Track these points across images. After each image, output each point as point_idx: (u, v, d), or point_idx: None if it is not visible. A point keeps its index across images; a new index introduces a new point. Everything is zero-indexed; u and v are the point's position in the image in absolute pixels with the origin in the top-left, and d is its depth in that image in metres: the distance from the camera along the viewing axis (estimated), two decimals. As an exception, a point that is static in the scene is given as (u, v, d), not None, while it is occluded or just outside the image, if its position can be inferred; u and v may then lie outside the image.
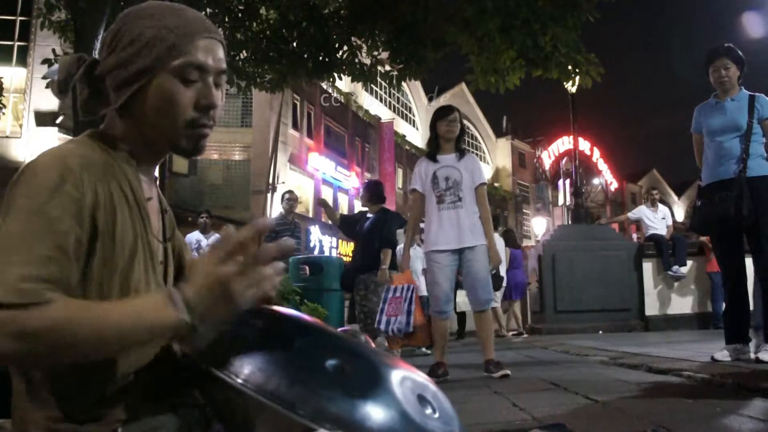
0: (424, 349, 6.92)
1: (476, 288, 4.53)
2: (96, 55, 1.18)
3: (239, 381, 0.92)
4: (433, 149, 4.74)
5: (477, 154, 47.15)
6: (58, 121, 17.76)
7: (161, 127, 1.13)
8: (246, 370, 0.93)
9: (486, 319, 4.60)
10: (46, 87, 7.73)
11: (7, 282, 0.89)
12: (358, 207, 31.78)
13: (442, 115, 4.72)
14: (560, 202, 29.56)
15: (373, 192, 6.69)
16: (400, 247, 6.91)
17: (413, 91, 38.76)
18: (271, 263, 1.00)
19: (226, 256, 0.98)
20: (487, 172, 47.11)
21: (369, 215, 6.65)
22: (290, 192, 8.54)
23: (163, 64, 1.09)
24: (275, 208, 23.02)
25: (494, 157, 48.11)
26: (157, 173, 1.30)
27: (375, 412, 0.89)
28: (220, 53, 1.16)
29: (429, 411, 0.96)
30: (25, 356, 0.90)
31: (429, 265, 4.62)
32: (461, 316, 13.97)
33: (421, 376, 1.03)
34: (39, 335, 0.88)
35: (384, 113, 34.99)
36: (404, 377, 0.98)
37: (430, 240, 4.59)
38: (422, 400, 0.96)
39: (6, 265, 0.90)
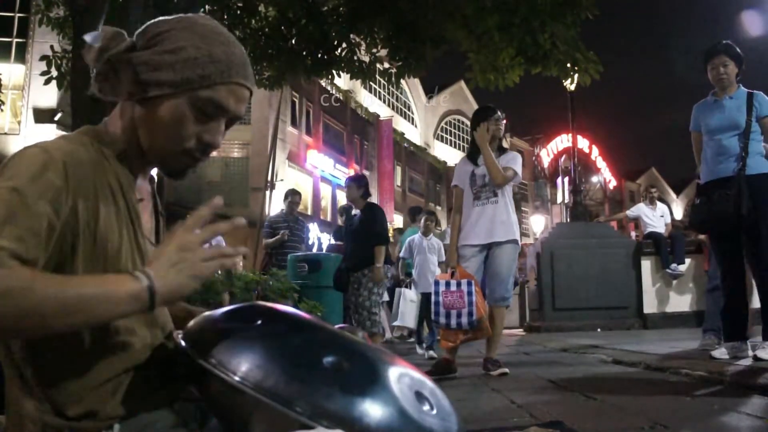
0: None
1: (493, 283, 4.59)
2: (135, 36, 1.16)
3: (237, 378, 0.91)
4: (475, 150, 4.75)
5: (476, 152, 47.04)
6: (56, 117, 17.74)
7: (158, 142, 1.13)
8: (243, 367, 0.93)
9: (497, 315, 4.59)
10: (46, 83, 7.70)
11: None
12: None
13: (487, 115, 4.72)
14: (559, 200, 29.61)
15: (365, 186, 6.37)
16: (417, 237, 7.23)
17: (412, 88, 38.74)
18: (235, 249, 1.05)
19: (185, 229, 1.02)
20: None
21: (355, 211, 6.33)
22: (293, 192, 8.42)
23: (187, 89, 1.09)
24: (274, 206, 23.02)
25: (493, 155, 48.03)
26: (155, 172, 1.29)
27: (372, 408, 0.89)
28: (245, 101, 1.17)
29: (426, 407, 0.96)
30: None
31: (458, 259, 4.64)
32: None
33: (418, 373, 1.03)
34: (1, 296, 0.87)
35: (383, 111, 34.98)
36: (402, 374, 0.98)
37: (462, 235, 4.64)
38: (420, 396, 0.96)
39: None
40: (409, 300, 7.08)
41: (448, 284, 4.52)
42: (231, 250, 1.04)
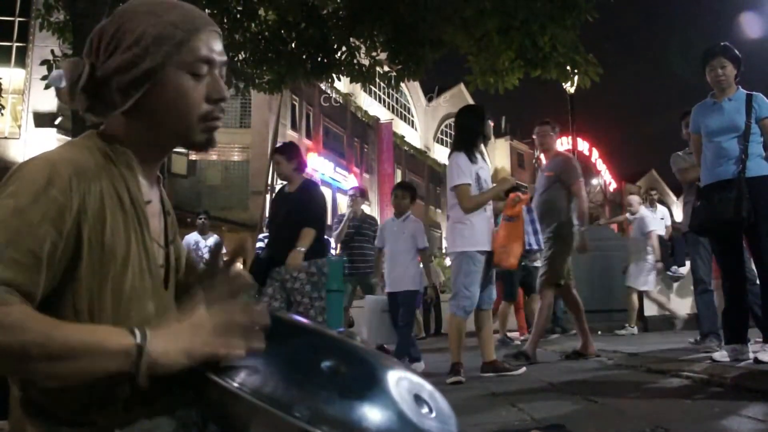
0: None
1: (490, 288, 4.68)
2: (84, 56, 1.15)
3: (235, 384, 0.91)
4: (473, 147, 4.70)
5: (476, 155, 47.06)
6: (56, 122, 17.75)
7: (174, 124, 1.12)
8: (242, 373, 0.93)
9: (487, 318, 4.66)
10: (45, 88, 7.70)
11: None
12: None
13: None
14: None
15: (297, 158, 5.09)
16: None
17: (412, 91, 38.76)
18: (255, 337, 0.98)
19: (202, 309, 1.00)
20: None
21: (287, 190, 5.08)
22: (354, 189, 7.77)
23: (172, 61, 1.09)
24: (274, 209, 23.00)
25: (493, 158, 48.08)
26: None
27: (372, 412, 0.88)
28: (221, 44, 1.16)
29: (426, 410, 0.96)
30: None
31: (467, 263, 4.46)
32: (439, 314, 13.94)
33: (417, 376, 1.03)
34: None
35: (383, 114, 34.99)
36: (400, 378, 0.97)
37: (475, 239, 4.51)
38: (419, 399, 0.96)
39: None
40: (380, 310, 5.92)
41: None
42: (232, 344, 0.97)
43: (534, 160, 46.09)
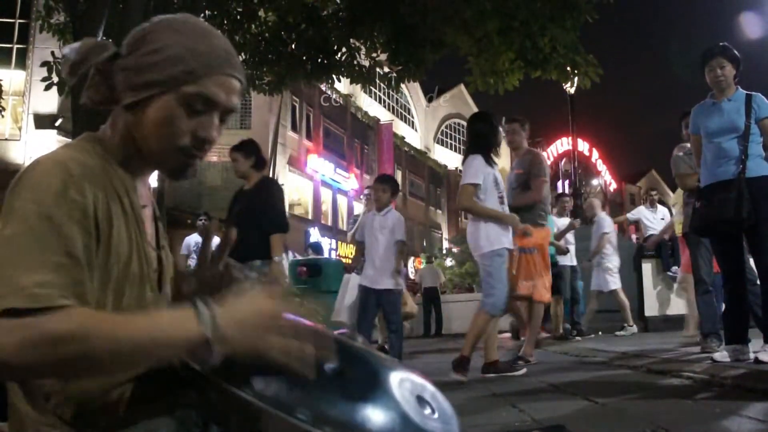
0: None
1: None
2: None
3: (238, 387, 0.91)
4: (488, 152, 4.75)
5: (476, 156, 47.07)
6: (57, 123, 17.76)
7: (153, 143, 1.11)
8: (245, 375, 0.93)
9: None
10: (48, 86, 7.71)
11: (21, 287, 0.87)
12: (358, 209, 31.84)
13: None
14: (559, 202, 29.55)
15: (255, 154, 4.93)
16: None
17: (412, 92, 38.80)
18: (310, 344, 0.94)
19: (273, 298, 0.98)
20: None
21: (245, 187, 4.91)
22: (369, 188, 7.44)
23: (174, 86, 1.07)
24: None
25: (493, 159, 48.07)
26: (155, 176, 1.29)
27: (374, 414, 0.89)
28: (236, 92, 1.13)
29: (428, 411, 0.96)
30: (39, 367, 0.88)
31: (496, 263, 4.50)
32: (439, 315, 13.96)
33: (419, 378, 1.03)
34: (55, 342, 0.85)
35: (383, 115, 35.03)
36: (402, 379, 0.98)
37: (501, 238, 4.56)
38: (421, 400, 0.97)
39: (17, 269, 0.89)
40: (351, 288, 5.93)
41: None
42: (309, 358, 0.92)
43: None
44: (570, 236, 7.98)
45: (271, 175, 19.33)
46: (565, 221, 8.16)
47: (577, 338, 7.55)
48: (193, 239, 8.74)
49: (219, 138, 1.15)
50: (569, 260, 8.05)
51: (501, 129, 4.93)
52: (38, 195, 0.95)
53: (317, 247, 9.90)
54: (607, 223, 8.57)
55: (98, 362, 0.89)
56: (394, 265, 5.47)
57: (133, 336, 0.91)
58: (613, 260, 8.38)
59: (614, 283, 8.47)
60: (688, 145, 4.87)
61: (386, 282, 5.37)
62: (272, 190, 4.81)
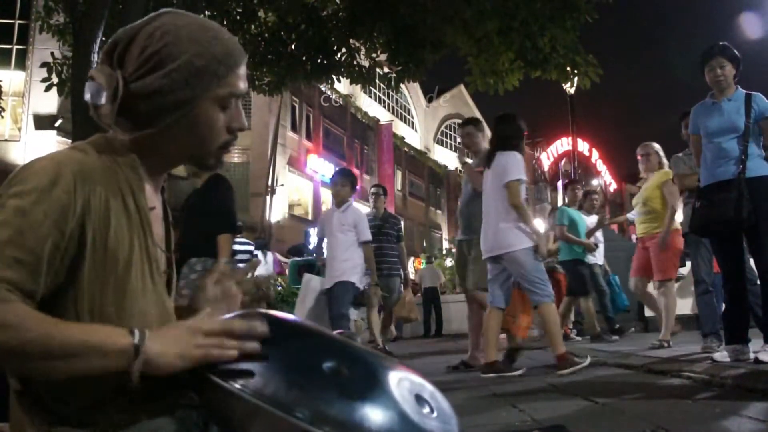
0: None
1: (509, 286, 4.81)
2: (95, 57, 1.16)
3: (237, 386, 0.92)
4: (521, 151, 4.85)
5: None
6: (56, 124, 17.77)
7: (194, 149, 1.15)
8: (243, 374, 0.93)
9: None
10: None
11: None
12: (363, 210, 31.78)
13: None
14: (559, 203, 29.59)
15: None
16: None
17: (412, 92, 38.79)
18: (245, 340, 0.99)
19: (202, 317, 1.05)
20: (486, 174, 47.02)
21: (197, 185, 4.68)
22: (375, 187, 7.46)
23: (209, 94, 1.11)
24: (274, 211, 23.04)
25: (493, 159, 48.09)
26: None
27: (373, 413, 0.89)
28: (246, 78, 1.20)
29: (427, 410, 0.96)
30: None
31: (532, 257, 4.58)
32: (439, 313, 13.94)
33: (418, 377, 1.03)
34: None
35: (383, 115, 35.02)
36: (401, 378, 0.98)
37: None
38: (420, 399, 0.97)
39: None
40: (311, 289, 5.50)
41: None
42: (225, 345, 0.99)
43: (534, 161, 46.13)
44: (599, 234, 7.83)
45: (270, 176, 19.30)
46: (593, 219, 7.96)
47: (615, 338, 7.23)
48: None
49: None
50: (599, 258, 7.85)
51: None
52: (22, 190, 0.97)
53: (298, 251, 9.91)
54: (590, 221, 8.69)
55: (29, 357, 0.92)
56: (358, 262, 5.28)
57: (65, 336, 0.94)
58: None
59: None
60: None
61: (342, 275, 5.20)
62: (220, 188, 4.52)
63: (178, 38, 1.09)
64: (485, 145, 5.42)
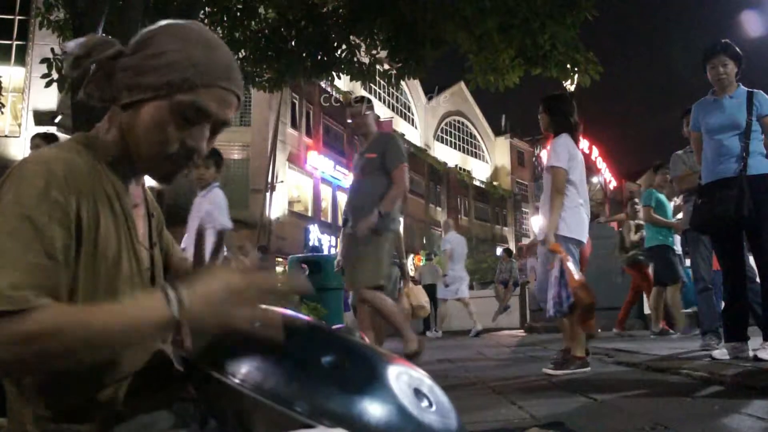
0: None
1: None
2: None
3: (236, 381, 0.92)
4: (574, 132, 4.54)
5: (475, 153, 47.14)
6: (56, 120, 17.76)
7: (142, 147, 1.11)
8: (243, 369, 0.93)
9: None
10: (47, 78, 7.70)
11: None
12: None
13: None
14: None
15: None
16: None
17: (412, 90, 38.76)
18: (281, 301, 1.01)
19: (241, 274, 1.02)
20: (485, 171, 47.08)
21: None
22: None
23: (169, 92, 1.07)
24: (274, 208, 23.04)
25: (493, 156, 48.12)
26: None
27: (372, 406, 0.89)
28: (231, 107, 1.14)
29: (425, 404, 0.96)
30: (16, 364, 0.92)
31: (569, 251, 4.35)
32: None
33: (417, 371, 1.03)
34: (29, 341, 0.89)
35: (383, 112, 34.97)
36: (400, 372, 0.98)
37: (583, 231, 4.44)
38: (418, 393, 0.97)
39: None
40: None
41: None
42: (275, 322, 0.99)
43: (534, 158, 46.11)
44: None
45: (270, 173, 19.27)
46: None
47: (674, 333, 6.94)
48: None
49: (209, 149, 1.16)
50: (678, 248, 7.22)
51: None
52: (21, 195, 0.97)
53: (264, 250, 9.90)
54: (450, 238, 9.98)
55: (74, 353, 0.93)
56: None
57: (104, 324, 0.94)
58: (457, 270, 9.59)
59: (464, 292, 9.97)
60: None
61: None
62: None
63: (173, 34, 1.11)
64: (375, 128, 4.97)
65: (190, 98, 1.08)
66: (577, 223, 4.41)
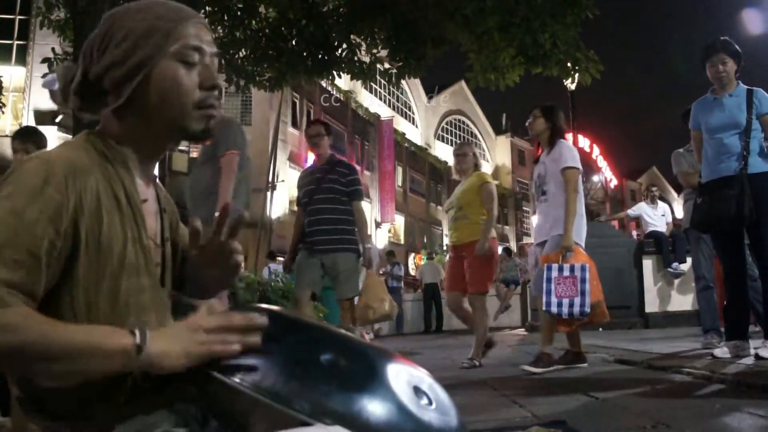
0: None
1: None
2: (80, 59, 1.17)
3: (236, 380, 0.92)
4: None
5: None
6: (57, 119, 17.77)
7: (169, 114, 1.12)
8: (242, 368, 0.93)
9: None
10: (44, 86, 7.70)
11: None
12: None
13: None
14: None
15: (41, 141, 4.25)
16: None
17: (413, 88, 38.73)
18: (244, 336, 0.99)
19: (201, 314, 1.02)
20: (486, 170, 47.05)
21: None
22: (314, 123, 6.28)
23: (162, 52, 1.10)
24: (275, 207, 23.02)
25: (494, 155, 48.09)
26: (157, 171, 1.29)
27: (371, 404, 0.89)
28: (209, 35, 1.18)
29: (425, 402, 0.96)
30: None
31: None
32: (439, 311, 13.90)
33: (416, 369, 1.03)
34: None
35: (383, 111, 34.96)
36: (399, 370, 0.98)
37: (580, 235, 4.52)
38: (418, 391, 0.97)
39: None
40: None
41: (561, 269, 4.26)
42: (228, 340, 0.99)
43: (534, 157, 46.06)
44: None
45: (271, 172, 19.28)
46: None
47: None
48: None
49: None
50: None
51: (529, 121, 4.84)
52: (16, 192, 0.97)
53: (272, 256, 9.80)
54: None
55: (29, 358, 0.91)
56: None
57: (66, 337, 0.93)
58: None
59: None
60: None
61: None
62: None
63: (125, 13, 1.14)
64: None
65: (181, 43, 1.12)
66: (581, 227, 4.52)
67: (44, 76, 7.48)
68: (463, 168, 5.42)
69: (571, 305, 4.22)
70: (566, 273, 4.26)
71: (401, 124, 37.13)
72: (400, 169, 35.56)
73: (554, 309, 4.24)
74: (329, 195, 4.81)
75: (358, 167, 32.14)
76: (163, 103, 1.12)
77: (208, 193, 4.07)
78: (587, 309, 4.20)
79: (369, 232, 5.44)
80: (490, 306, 13.19)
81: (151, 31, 1.11)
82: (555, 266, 4.28)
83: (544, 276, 4.29)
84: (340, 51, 9.26)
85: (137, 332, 0.96)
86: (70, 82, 1.13)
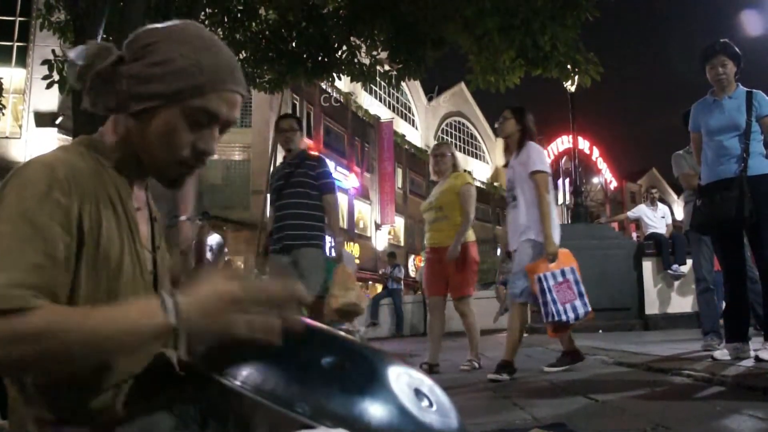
0: None
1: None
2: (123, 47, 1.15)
3: (237, 382, 0.92)
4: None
5: (476, 154, 47.12)
6: (57, 121, 17.78)
7: (153, 153, 1.12)
8: (243, 371, 0.93)
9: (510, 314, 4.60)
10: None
11: None
12: (358, 207, 31.82)
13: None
14: (560, 201, 29.59)
15: None
16: None
17: (413, 90, 38.77)
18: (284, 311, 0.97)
19: (238, 280, 0.99)
20: (486, 172, 47.08)
21: None
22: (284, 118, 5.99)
23: (179, 99, 1.08)
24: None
25: (494, 157, 48.09)
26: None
27: (373, 407, 0.89)
28: (238, 106, 1.15)
29: (426, 404, 0.96)
30: (13, 363, 0.90)
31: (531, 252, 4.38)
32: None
33: (417, 372, 1.03)
34: (26, 341, 0.88)
35: (383, 113, 35.00)
36: (400, 372, 0.98)
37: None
38: (419, 393, 0.97)
39: None
40: None
41: (554, 276, 4.24)
42: (273, 329, 0.96)
43: (504, 164, 46.04)
44: None
45: (271, 174, 19.24)
46: None
47: None
48: (214, 240, 8.60)
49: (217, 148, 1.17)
50: None
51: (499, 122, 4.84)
52: (23, 196, 0.97)
53: (219, 247, 9.76)
54: None
55: (69, 355, 0.92)
56: None
57: (100, 326, 0.93)
58: None
59: None
60: None
61: None
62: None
63: (176, 40, 1.11)
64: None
65: (201, 103, 1.09)
66: (555, 228, 4.41)
67: (49, 73, 7.49)
68: (442, 169, 5.34)
69: (574, 309, 4.23)
70: (559, 279, 4.27)
71: (401, 126, 37.16)
72: (400, 171, 35.59)
73: (563, 317, 4.23)
74: (298, 189, 4.72)
75: (358, 169, 32.25)
76: (153, 142, 1.11)
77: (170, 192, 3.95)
78: (589, 308, 4.24)
79: (342, 226, 5.38)
80: (490, 307, 13.19)
81: (184, 74, 1.08)
82: (548, 275, 4.27)
83: (538, 288, 4.26)
84: (340, 53, 9.27)
85: (169, 305, 0.94)
86: (95, 64, 1.10)
